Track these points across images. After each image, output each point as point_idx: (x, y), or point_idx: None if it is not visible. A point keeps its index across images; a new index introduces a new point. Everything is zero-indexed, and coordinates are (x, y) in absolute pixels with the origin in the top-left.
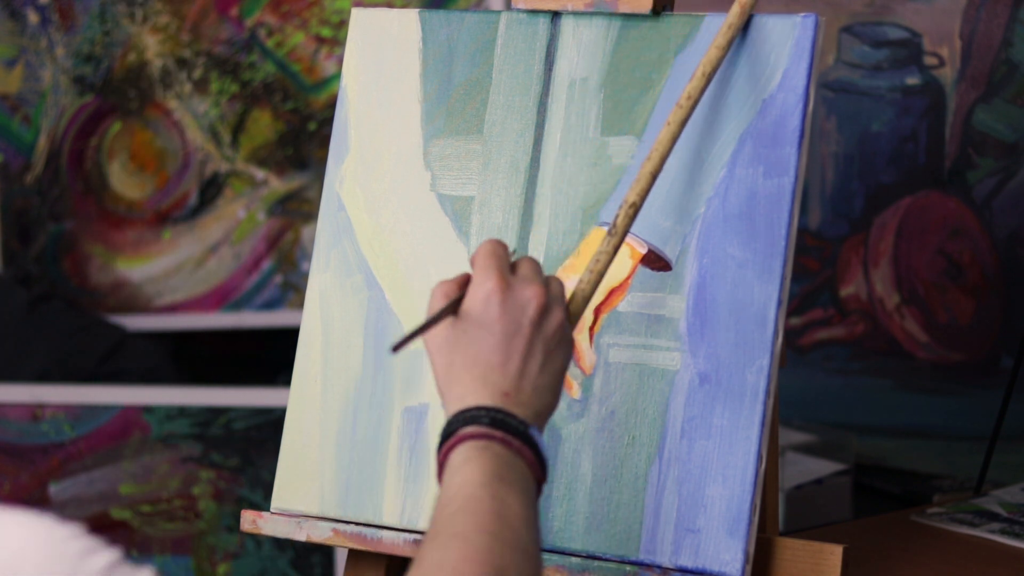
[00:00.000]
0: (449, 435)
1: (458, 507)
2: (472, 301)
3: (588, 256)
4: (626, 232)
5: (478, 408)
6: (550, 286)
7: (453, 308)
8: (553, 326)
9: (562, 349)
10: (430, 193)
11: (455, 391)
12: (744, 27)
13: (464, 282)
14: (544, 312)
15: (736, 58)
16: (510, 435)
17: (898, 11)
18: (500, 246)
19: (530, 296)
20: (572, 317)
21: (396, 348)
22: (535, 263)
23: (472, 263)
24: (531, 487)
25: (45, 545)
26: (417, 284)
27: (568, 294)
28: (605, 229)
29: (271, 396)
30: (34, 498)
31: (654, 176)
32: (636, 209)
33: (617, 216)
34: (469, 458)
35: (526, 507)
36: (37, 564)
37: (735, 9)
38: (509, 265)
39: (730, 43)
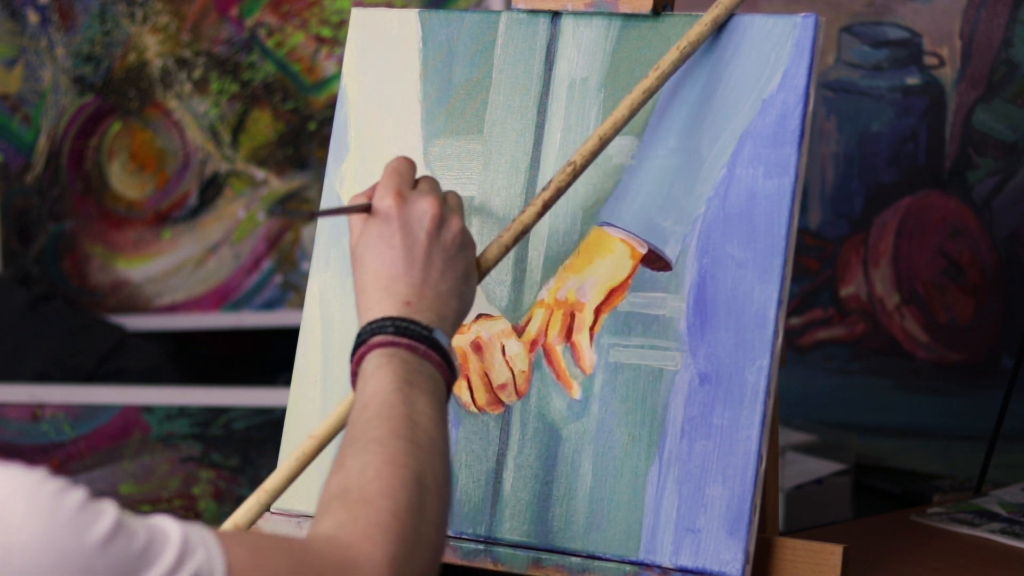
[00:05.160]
0: (359, 344)
1: (373, 412)
2: (373, 219)
3: (589, 256)
4: (559, 189)
5: (384, 319)
6: (447, 198)
7: (363, 208)
8: (451, 235)
9: (463, 255)
10: None
11: (364, 303)
12: (721, 26)
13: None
14: (440, 222)
15: (736, 58)
16: (415, 341)
17: (898, 11)
18: (405, 163)
19: (425, 207)
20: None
21: (272, 214)
22: (432, 179)
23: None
24: (440, 389)
25: (25, 492)
26: None
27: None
28: (605, 229)
29: (271, 396)
30: None
31: (604, 141)
32: (576, 168)
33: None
34: (380, 365)
35: (436, 410)
36: (23, 513)
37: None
38: (411, 182)
39: (702, 38)
